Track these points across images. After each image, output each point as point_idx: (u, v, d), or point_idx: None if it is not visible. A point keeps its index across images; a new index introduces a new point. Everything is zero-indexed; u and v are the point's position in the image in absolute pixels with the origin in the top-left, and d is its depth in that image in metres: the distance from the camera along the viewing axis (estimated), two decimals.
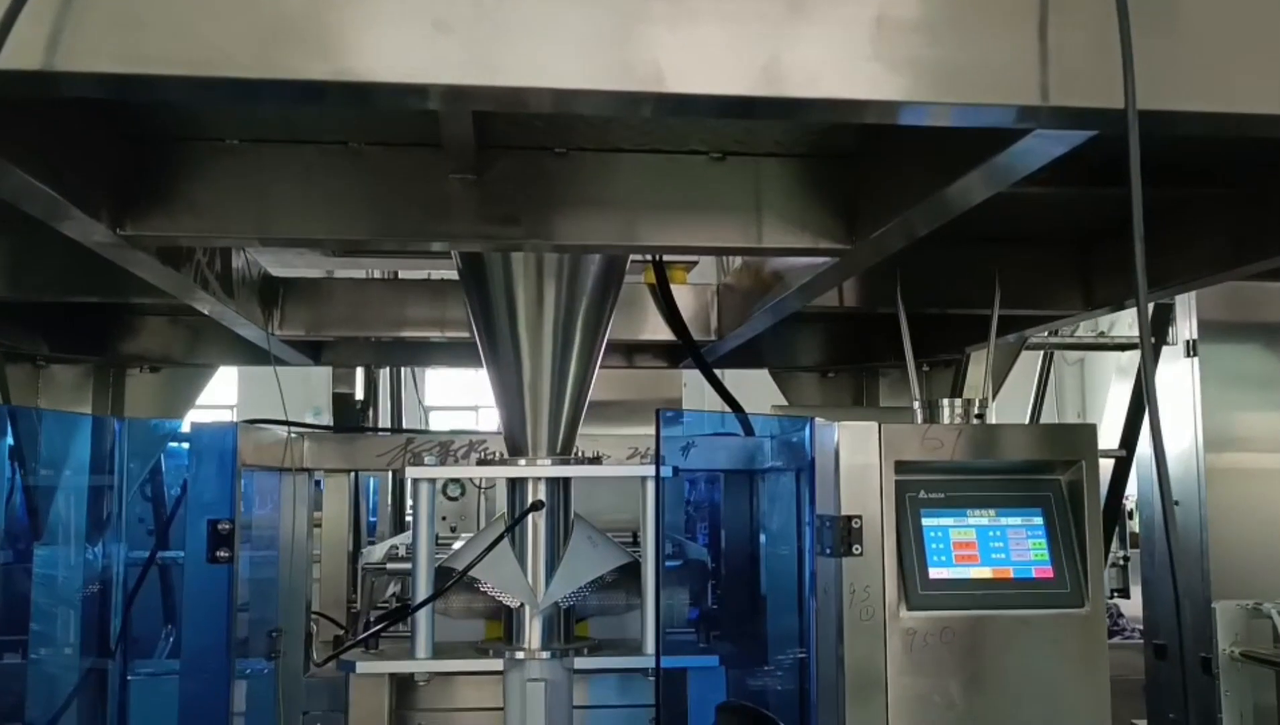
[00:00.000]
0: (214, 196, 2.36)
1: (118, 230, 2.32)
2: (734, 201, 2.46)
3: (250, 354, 4.33)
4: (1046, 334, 5.78)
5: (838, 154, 2.52)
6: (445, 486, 5.79)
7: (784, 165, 2.49)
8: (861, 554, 2.73)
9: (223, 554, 2.59)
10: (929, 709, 2.71)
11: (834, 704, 2.73)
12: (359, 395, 5.07)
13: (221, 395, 14.20)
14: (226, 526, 2.60)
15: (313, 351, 4.75)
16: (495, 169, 2.37)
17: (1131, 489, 5.81)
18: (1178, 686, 4.78)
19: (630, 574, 3.25)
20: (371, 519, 7.87)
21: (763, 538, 3.92)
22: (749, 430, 3.61)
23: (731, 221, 2.46)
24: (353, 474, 4.48)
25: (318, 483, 4.28)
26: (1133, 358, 5.81)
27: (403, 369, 6.27)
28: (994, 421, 3.19)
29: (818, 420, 2.79)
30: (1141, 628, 5.43)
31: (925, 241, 2.71)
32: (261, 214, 2.38)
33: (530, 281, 2.99)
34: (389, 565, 3.71)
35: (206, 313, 3.21)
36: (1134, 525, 7.22)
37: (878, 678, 2.71)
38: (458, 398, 16.39)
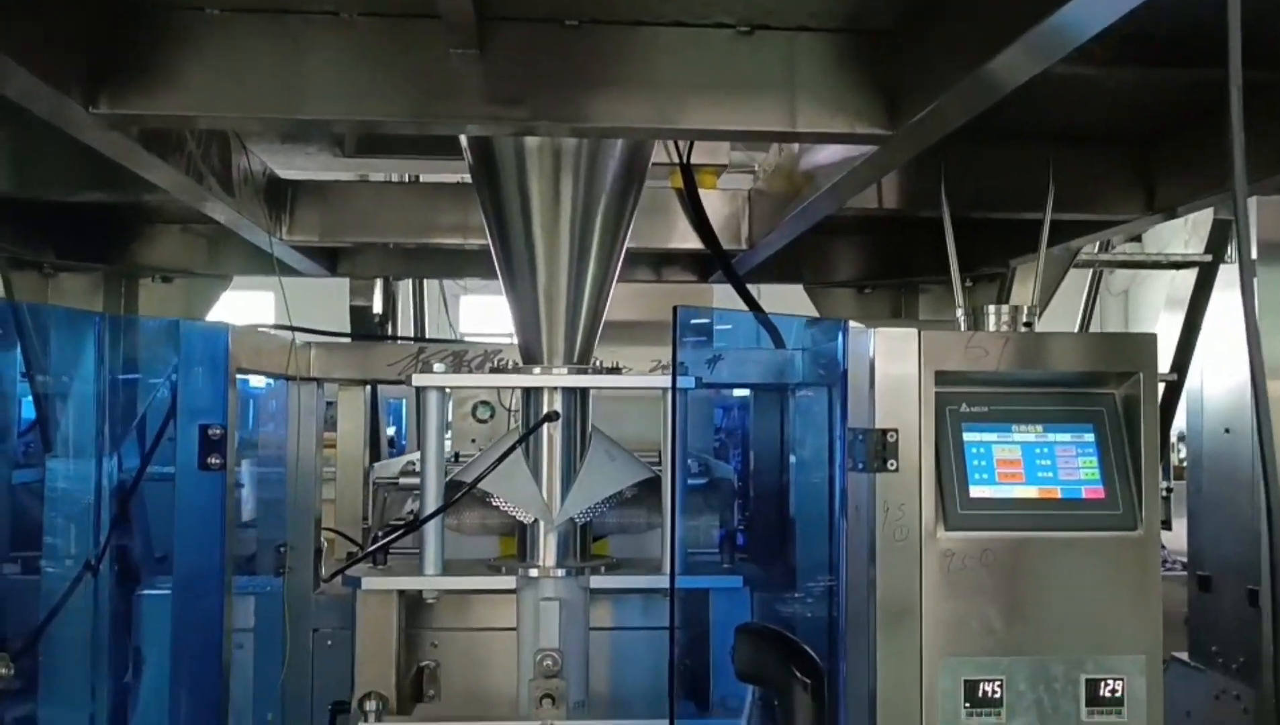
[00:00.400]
0: (194, 72, 2.17)
1: (90, 108, 2.13)
2: (764, 80, 2.24)
3: (266, 264, 4.17)
4: (1096, 249, 5.53)
5: (877, 30, 2.29)
6: (475, 408, 5.64)
7: (818, 41, 2.26)
8: (897, 470, 2.53)
9: (215, 461, 2.44)
10: (966, 635, 2.53)
11: (864, 629, 2.56)
12: (377, 308, 4.90)
13: (260, 315, 14.06)
14: (218, 432, 2.45)
15: (328, 261, 4.58)
16: (499, 42, 2.16)
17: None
18: (1222, 619, 4.60)
19: (651, 491, 3.08)
20: (403, 443, 7.76)
21: (792, 458, 3.74)
22: (779, 342, 3.41)
23: (762, 103, 2.25)
24: (368, 388, 4.33)
25: (330, 403, 4.12)
26: (1186, 284, 5.53)
27: (425, 286, 6.07)
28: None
29: (852, 325, 2.58)
30: (1185, 560, 5.23)
31: (972, 138, 2.48)
32: (245, 92, 2.19)
33: (545, 176, 2.79)
34: (401, 480, 3.56)
35: (202, 209, 3.04)
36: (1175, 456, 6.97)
37: (911, 602, 2.53)
38: (496, 326, 16.05)
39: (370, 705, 2.75)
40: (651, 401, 3.20)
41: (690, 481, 3.56)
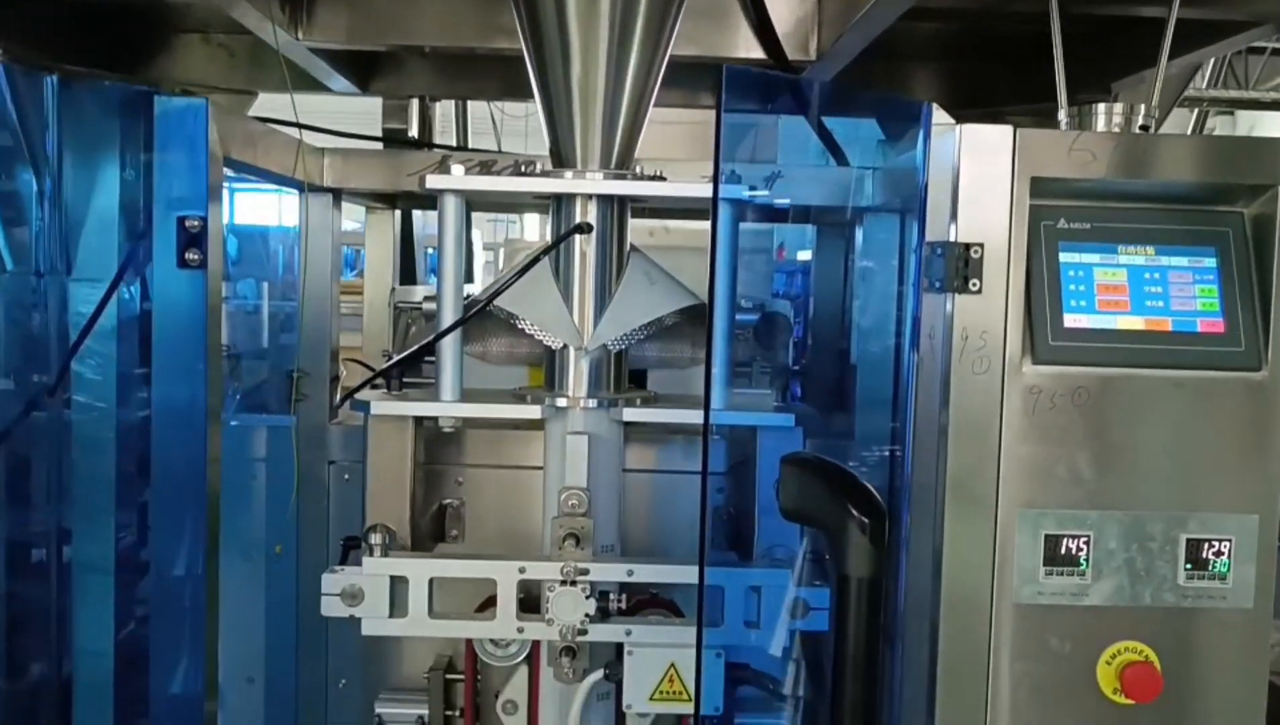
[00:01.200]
0: None
1: None
2: None
3: (296, 79, 3.80)
4: (1204, 86, 5.01)
5: None
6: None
7: None
8: (979, 291, 2.18)
9: (193, 257, 2.14)
10: (1050, 484, 2.21)
11: (932, 476, 2.24)
12: (413, 131, 4.55)
13: None
14: (196, 223, 2.14)
15: (359, 76, 4.23)
16: None
17: None
18: None
19: (696, 323, 2.76)
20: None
21: (857, 301, 3.40)
22: (841, 159, 3.04)
23: None
24: (397, 213, 4.01)
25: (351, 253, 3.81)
26: None
27: (469, 115, 5.67)
28: None
29: (935, 115, 2.20)
30: None
31: None
32: None
33: None
34: (425, 306, 3.25)
35: None
36: None
37: (988, 445, 2.20)
38: None
39: (376, 539, 2.50)
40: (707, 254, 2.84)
41: (741, 317, 3.23)
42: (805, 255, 5.48)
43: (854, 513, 1.97)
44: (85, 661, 2.84)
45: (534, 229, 12.63)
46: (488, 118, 7.60)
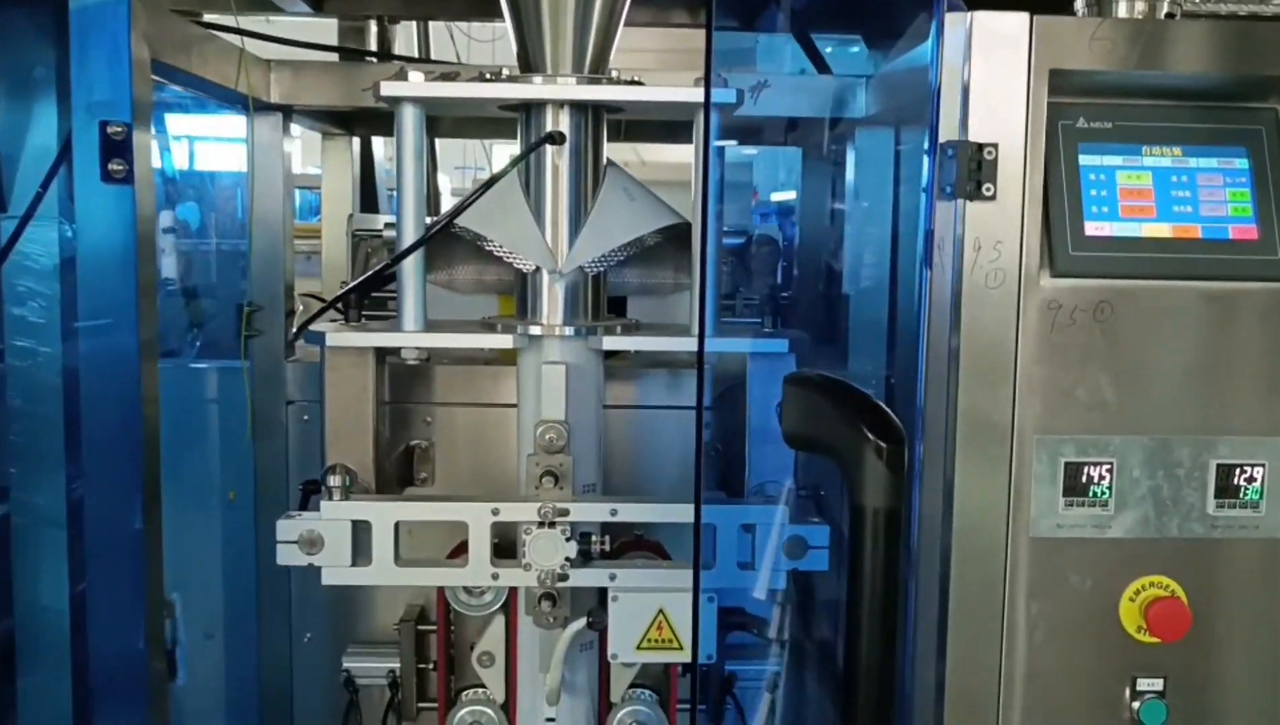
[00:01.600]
0: None
1: None
2: None
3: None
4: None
5: None
6: None
7: None
8: (993, 197, 1.98)
9: (118, 167, 1.91)
10: (1070, 408, 2.03)
11: (942, 400, 2.06)
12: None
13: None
14: (120, 130, 1.91)
15: None
16: None
17: None
18: None
19: (679, 244, 2.55)
20: None
21: (848, 225, 3.21)
22: (824, 68, 2.83)
23: None
24: (356, 142, 3.77)
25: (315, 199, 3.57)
26: None
27: (431, 40, 5.37)
28: None
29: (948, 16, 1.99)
30: None
31: None
32: None
33: None
34: (385, 232, 3.03)
35: None
36: None
37: (1003, 365, 2.02)
38: None
39: (335, 480, 2.30)
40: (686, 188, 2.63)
41: (726, 241, 3.03)
42: (779, 196, 5.29)
43: (869, 436, 1.78)
44: (39, 619, 2.68)
45: None
46: (451, 47, 7.26)
